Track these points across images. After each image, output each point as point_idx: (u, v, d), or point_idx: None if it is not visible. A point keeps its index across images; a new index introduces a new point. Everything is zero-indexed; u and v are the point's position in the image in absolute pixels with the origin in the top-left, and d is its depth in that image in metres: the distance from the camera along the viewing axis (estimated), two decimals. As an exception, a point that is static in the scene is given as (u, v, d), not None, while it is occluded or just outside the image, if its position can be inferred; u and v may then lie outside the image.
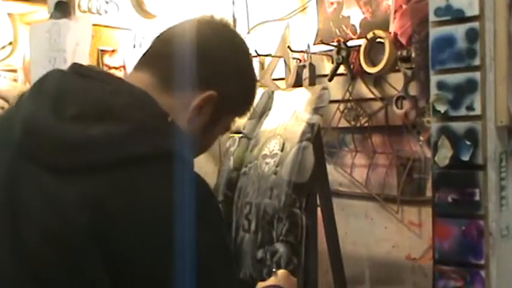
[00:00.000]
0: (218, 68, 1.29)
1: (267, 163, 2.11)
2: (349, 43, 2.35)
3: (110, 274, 1.07)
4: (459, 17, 1.62)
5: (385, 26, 2.24)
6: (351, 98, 2.42)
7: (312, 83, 2.31)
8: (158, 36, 1.35)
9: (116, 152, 1.10)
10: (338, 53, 2.33)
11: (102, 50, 2.96)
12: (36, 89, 1.21)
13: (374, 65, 2.26)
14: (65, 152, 1.11)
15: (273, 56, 2.60)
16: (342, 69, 2.37)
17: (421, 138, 2.22)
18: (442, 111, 1.64)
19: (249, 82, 1.39)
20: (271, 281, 1.69)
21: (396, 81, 2.28)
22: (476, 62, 1.60)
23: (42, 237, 1.09)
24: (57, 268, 1.08)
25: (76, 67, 1.25)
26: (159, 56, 1.30)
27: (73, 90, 1.18)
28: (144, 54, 1.33)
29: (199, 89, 1.26)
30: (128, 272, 1.07)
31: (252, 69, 1.41)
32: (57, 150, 1.12)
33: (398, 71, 2.24)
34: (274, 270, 1.82)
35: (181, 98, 1.25)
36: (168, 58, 1.27)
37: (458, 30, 1.62)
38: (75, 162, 1.11)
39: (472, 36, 1.60)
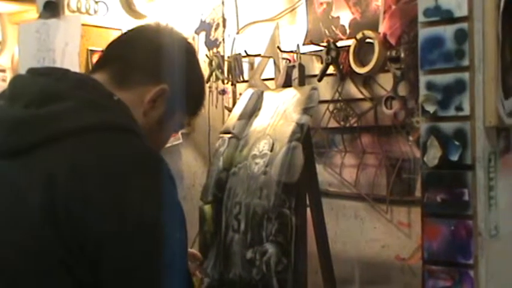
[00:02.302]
0: (167, 65, 1.36)
1: (256, 163, 2.11)
2: (339, 43, 2.35)
3: (70, 249, 1.09)
4: (448, 18, 1.63)
5: (374, 27, 2.25)
6: (340, 98, 2.43)
7: (301, 83, 2.31)
8: (109, 44, 1.43)
9: (61, 127, 1.16)
10: (327, 53, 2.34)
11: (91, 50, 2.95)
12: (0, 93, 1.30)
13: (363, 65, 2.26)
14: (15, 133, 1.18)
15: (262, 56, 2.60)
16: (331, 69, 2.37)
17: (410, 138, 2.22)
18: (431, 111, 1.65)
19: (196, 80, 1.47)
20: None
21: (385, 81, 2.29)
22: (465, 62, 1.60)
23: (4, 221, 1.14)
24: (16, 249, 1.11)
25: (32, 69, 1.33)
26: (110, 59, 1.38)
27: (25, 85, 1.27)
28: (97, 61, 1.42)
29: (151, 84, 1.33)
30: (87, 237, 1.09)
31: (199, 68, 1.50)
32: (7, 134, 1.18)
33: (387, 71, 2.24)
34: None
35: (135, 92, 1.32)
36: (118, 59, 1.37)
37: (447, 31, 1.63)
38: (24, 142, 1.17)
39: (461, 36, 1.61)
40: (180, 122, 1.48)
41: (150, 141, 1.30)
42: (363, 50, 2.28)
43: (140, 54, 1.36)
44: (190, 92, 1.42)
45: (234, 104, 2.63)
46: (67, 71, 1.32)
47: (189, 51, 1.46)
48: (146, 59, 1.35)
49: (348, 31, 2.40)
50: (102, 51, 1.44)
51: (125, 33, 1.46)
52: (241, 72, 2.65)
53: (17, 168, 1.16)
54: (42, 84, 1.24)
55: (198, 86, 1.49)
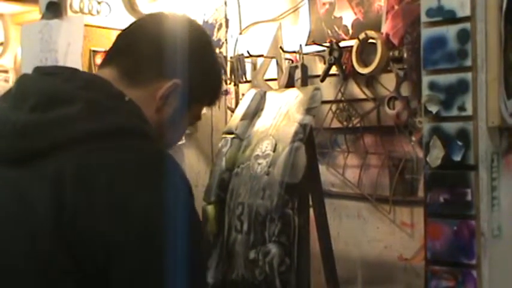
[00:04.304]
0: (180, 57, 1.31)
1: (259, 164, 2.11)
2: (341, 44, 2.35)
3: (77, 258, 1.06)
4: (451, 18, 1.63)
5: (377, 27, 2.25)
6: (343, 99, 2.43)
7: (304, 84, 2.31)
8: (119, 34, 1.37)
9: (69, 132, 1.13)
10: (330, 53, 2.34)
11: (94, 51, 2.95)
12: (5, 93, 1.26)
13: (366, 65, 2.26)
14: (21, 139, 1.14)
15: (265, 57, 2.60)
16: (334, 69, 2.37)
17: (413, 138, 2.22)
18: (434, 111, 1.65)
19: (212, 69, 1.41)
20: None
21: (388, 81, 2.29)
22: (468, 62, 1.60)
23: (9, 227, 1.11)
24: (22, 259, 1.09)
25: (39, 68, 1.29)
26: (121, 51, 1.33)
27: (31, 86, 1.22)
28: (107, 53, 1.35)
29: (163, 79, 1.28)
30: (95, 245, 1.06)
31: (214, 57, 1.44)
32: (12, 140, 1.14)
33: (390, 71, 2.24)
34: None
35: (146, 89, 1.28)
36: (129, 52, 1.31)
37: (450, 31, 1.63)
38: (30, 148, 1.13)
39: (464, 37, 1.61)
40: (196, 115, 1.42)
41: (163, 137, 1.28)
42: (365, 50, 2.28)
43: (151, 47, 1.30)
44: (206, 83, 1.37)
45: (236, 104, 2.63)
46: (75, 70, 1.28)
47: (204, 41, 1.40)
48: (157, 53, 1.29)
49: (350, 31, 2.40)
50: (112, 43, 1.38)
51: (135, 22, 1.39)
52: (244, 73, 2.65)
53: (22, 176, 1.13)
54: (49, 86, 1.20)
55: (214, 76, 1.42)
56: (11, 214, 1.12)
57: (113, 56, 1.33)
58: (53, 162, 1.11)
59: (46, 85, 1.20)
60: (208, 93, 1.41)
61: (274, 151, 2.09)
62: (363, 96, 2.38)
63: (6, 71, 4.34)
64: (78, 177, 1.09)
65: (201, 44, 1.38)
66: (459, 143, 1.61)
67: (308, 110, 2.10)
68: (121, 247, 1.06)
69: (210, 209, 2.23)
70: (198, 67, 1.33)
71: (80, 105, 1.15)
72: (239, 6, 2.88)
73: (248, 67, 2.68)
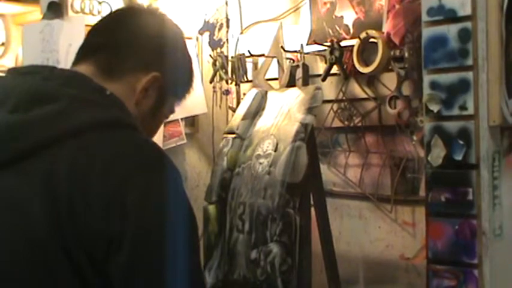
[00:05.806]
0: (157, 50, 1.31)
1: (260, 163, 2.11)
2: (343, 43, 2.34)
3: (74, 255, 1.06)
4: (451, 17, 1.63)
5: (378, 26, 2.24)
6: (344, 98, 2.43)
7: (305, 83, 2.31)
8: (92, 30, 1.37)
9: (54, 130, 1.12)
10: (331, 53, 2.33)
11: (95, 51, 2.94)
12: None
13: (367, 65, 2.26)
14: (5, 141, 1.13)
15: (266, 56, 2.60)
16: (335, 69, 2.37)
17: (414, 138, 2.22)
18: (435, 110, 1.65)
19: (186, 62, 1.42)
20: None
21: (389, 81, 2.29)
22: (469, 61, 1.60)
23: (4, 232, 1.10)
24: (20, 261, 1.08)
25: (15, 69, 1.31)
26: (97, 47, 1.33)
27: (8, 87, 1.21)
28: (80, 49, 1.36)
29: (141, 73, 1.28)
30: (93, 240, 1.07)
31: (187, 50, 1.44)
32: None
33: (391, 70, 2.24)
34: None
35: (125, 83, 1.28)
36: (104, 46, 1.31)
37: (451, 30, 1.63)
38: (17, 149, 1.12)
39: (465, 36, 1.61)
40: (172, 108, 1.43)
41: (142, 130, 1.27)
42: (366, 49, 2.28)
43: (127, 41, 1.30)
44: (182, 75, 1.38)
45: (238, 104, 2.63)
46: (53, 68, 1.27)
47: (178, 34, 1.40)
48: (134, 46, 1.30)
49: (351, 31, 2.40)
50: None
51: (108, 17, 1.40)
52: (245, 72, 2.65)
53: (11, 179, 1.12)
54: (29, 85, 1.19)
55: (188, 68, 1.43)
56: (4, 219, 1.11)
57: (88, 51, 1.33)
58: (41, 162, 1.10)
59: (27, 85, 1.19)
60: (183, 86, 1.41)
61: (275, 150, 2.09)
62: (364, 95, 2.38)
63: (7, 72, 4.33)
64: (71, 175, 1.08)
65: (176, 37, 1.38)
66: (460, 142, 1.61)
67: (309, 110, 2.10)
68: (119, 243, 1.07)
69: (212, 208, 2.24)
70: (175, 60, 1.33)
71: (64, 102, 1.15)
72: (240, 6, 2.88)
73: (249, 67, 2.68)
